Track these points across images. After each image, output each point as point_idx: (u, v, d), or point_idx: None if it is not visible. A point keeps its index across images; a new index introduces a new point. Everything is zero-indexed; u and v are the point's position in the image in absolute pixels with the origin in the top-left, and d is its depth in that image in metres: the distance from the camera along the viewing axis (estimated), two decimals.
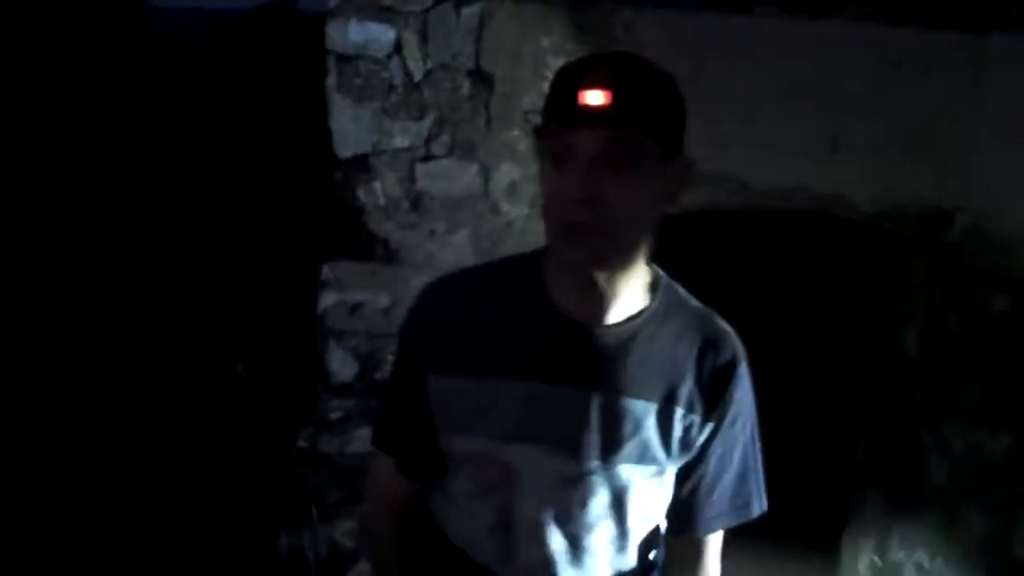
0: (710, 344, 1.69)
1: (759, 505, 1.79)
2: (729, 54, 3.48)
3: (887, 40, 3.45)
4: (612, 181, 1.49)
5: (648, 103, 1.52)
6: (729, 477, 1.75)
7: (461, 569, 1.80)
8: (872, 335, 4.16)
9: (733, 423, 1.71)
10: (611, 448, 1.65)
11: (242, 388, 5.09)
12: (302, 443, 3.84)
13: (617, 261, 1.58)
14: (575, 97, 1.47)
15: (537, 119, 1.64)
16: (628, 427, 1.64)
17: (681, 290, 1.74)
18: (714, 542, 1.84)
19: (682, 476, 1.74)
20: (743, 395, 1.71)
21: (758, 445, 1.78)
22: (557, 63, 3.49)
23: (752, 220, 3.76)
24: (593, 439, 1.64)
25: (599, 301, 1.61)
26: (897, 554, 3.88)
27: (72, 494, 4.30)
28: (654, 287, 1.69)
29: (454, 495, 1.77)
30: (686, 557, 1.84)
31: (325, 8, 3.66)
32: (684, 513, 1.78)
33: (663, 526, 1.81)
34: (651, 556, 1.82)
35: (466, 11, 3.53)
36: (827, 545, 4.20)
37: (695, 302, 1.75)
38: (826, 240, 3.96)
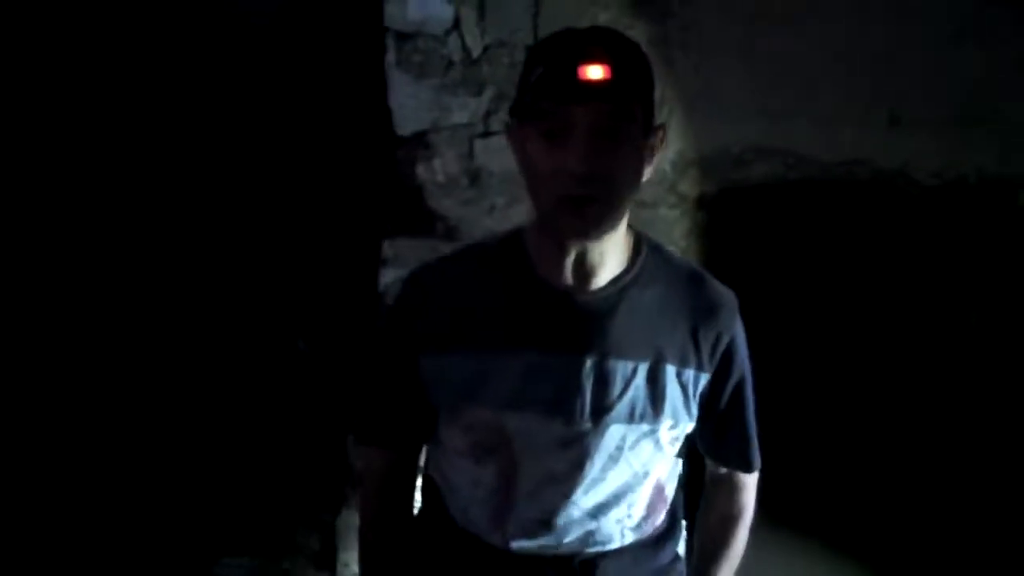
0: (700, 301, 1.76)
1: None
2: (786, 26, 3.45)
3: (949, 11, 3.41)
4: (610, 154, 1.53)
5: (640, 76, 1.57)
6: (749, 422, 1.90)
7: (454, 543, 1.89)
8: (934, 312, 4.13)
9: (742, 373, 1.83)
10: (602, 409, 1.71)
11: (303, 364, 5.15)
12: None
13: (612, 230, 1.64)
14: (574, 72, 1.49)
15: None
16: (617, 388, 1.70)
17: (668, 251, 1.83)
18: (751, 481, 2.01)
19: (711, 424, 1.86)
20: (743, 348, 1.82)
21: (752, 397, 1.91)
22: None
23: (811, 193, 3.74)
24: (585, 402, 1.70)
25: (586, 268, 1.68)
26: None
27: (128, 467, 4.37)
28: (637, 249, 1.75)
29: (454, 457, 1.85)
30: (730, 490, 2.01)
31: None
32: (726, 447, 1.94)
33: (669, 480, 1.92)
34: (663, 510, 1.93)
35: None
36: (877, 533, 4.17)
37: (683, 262, 1.84)
38: (887, 213, 3.93)
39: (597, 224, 1.59)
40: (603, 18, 3.51)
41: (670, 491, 1.93)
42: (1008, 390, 3.77)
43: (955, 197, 3.59)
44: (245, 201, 6.10)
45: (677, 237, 3.56)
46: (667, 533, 1.96)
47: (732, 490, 2.00)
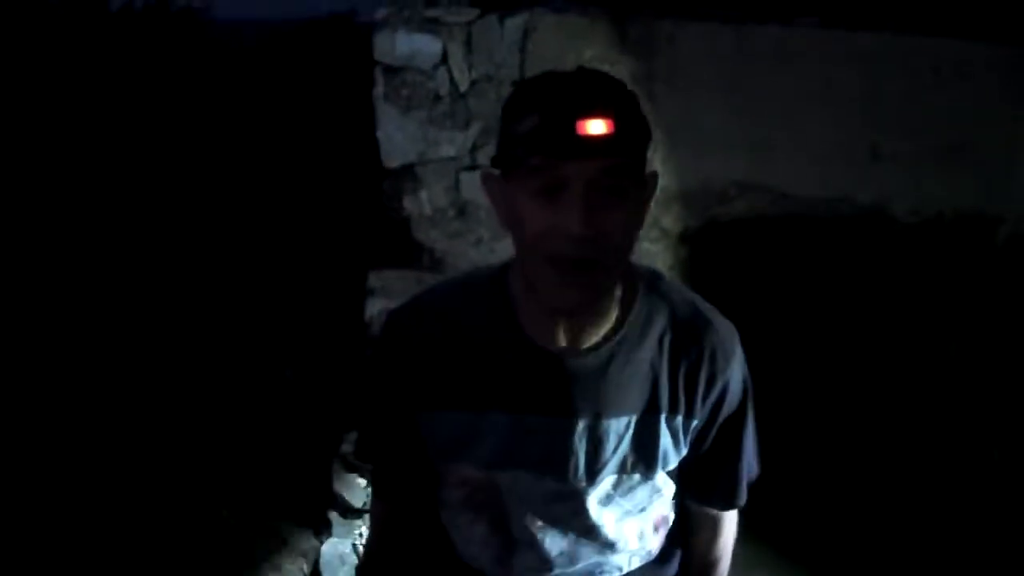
0: (696, 345, 1.65)
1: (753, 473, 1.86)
2: (769, 64, 3.50)
3: (927, 50, 3.46)
4: (609, 211, 1.41)
5: (639, 126, 1.45)
6: (745, 458, 1.80)
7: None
8: (914, 345, 4.15)
9: (737, 413, 1.73)
10: (595, 465, 1.65)
11: (290, 392, 5.15)
12: (346, 447, 3.89)
13: (608, 293, 1.55)
14: (572, 126, 1.36)
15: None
16: (611, 444, 1.64)
17: (665, 288, 1.69)
18: (733, 515, 1.91)
19: (699, 464, 1.78)
20: (740, 386, 1.71)
21: (753, 423, 1.80)
22: None
23: (793, 228, 3.77)
24: (579, 462, 1.65)
25: (575, 329, 1.58)
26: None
27: (113, 491, 4.36)
28: (632, 295, 1.64)
29: (451, 507, 1.81)
30: (713, 526, 1.91)
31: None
32: (709, 487, 1.84)
33: (663, 519, 1.86)
34: (665, 531, 1.88)
35: (510, 23, 3.59)
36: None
37: (681, 299, 1.69)
38: (867, 249, 3.97)
39: (593, 295, 1.49)
40: (589, 54, 3.56)
41: (670, 513, 1.87)
42: (987, 421, 3.79)
43: (934, 233, 3.63)
44: (235, 232, 6.13)
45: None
46: (670, 550, 1.92)
47: (715, 526, 1.91)
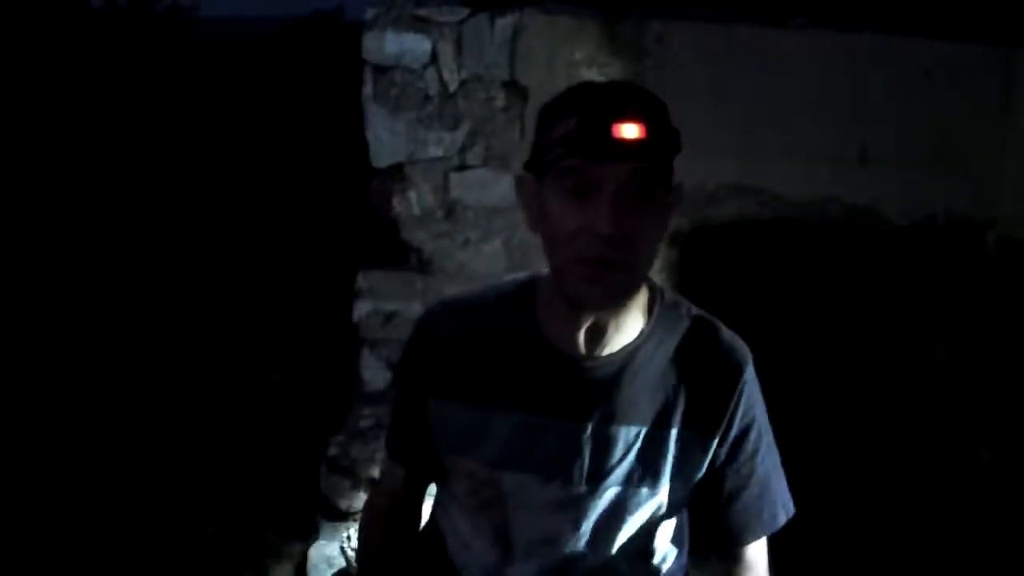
0: (709, 360, 1.67)
1: (785, 513, 1.77)
2: (759, 66, 3.49)
3: (917, 52, 3.45)
4: (636, 214, 1.45)
5: (670, 134, 1.48)
6: (753, 488, 1.73)
7: None
8: (904, 348, 4.15)
9: (745, 435, 1.69)
10: (600, 474, 1.66)
11: (278, 395, 5.14)
12: (333, 450, 3.88)
13: (631, 297, 1.57)
14: (607, 130, 1.41)
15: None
16: (618, 453, 1.65)
17: (683, 307, 1.71)
18: (755, 554, 1.79)
19: (703, 492, 1.73)
20: (750, 406, 1.69)
21: (774, 452, 1.76)
22: (590, 74, 3.54)
23: (784, 230, 3.77)
24: (583, 466, 1.65)
25: (594, 334, 1.60)
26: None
27: (104, 497, 4.35)
28: (650, 307, 1.66)
29: (458, 502, 1.81)
30: (729, 572, 1.80)
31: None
32: (715, 528, 1.76)
33: (667, 537, 1.81)
34: (666, 548, 1.83)
35: (500, 23, 3.58)
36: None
37: (696, 313, 1.71)
38: (857, 252, 3.96)
39: (617, 293, 1.52)
40: (579, 55, 3.55)
41: (673, 532, 1.84)
42: (977, 424, 3.79)
43: (924, 236, 3.62)
44: (223, 234, 6.12)
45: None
46: (673, 567, 1.88)
47: (744, 560, 1.79)
